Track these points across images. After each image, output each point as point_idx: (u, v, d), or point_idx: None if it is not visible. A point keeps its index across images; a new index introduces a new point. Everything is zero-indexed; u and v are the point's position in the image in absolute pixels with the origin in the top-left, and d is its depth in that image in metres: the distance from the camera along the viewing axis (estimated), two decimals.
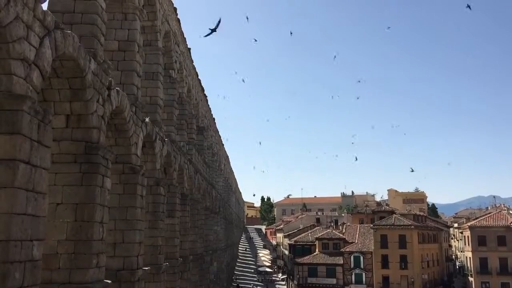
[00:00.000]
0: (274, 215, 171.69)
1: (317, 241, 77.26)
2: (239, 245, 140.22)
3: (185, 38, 33.21)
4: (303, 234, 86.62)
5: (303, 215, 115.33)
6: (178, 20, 30.17)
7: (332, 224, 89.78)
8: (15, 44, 9.50)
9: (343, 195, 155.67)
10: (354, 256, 72.16)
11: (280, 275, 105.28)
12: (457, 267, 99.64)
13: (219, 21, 34.75)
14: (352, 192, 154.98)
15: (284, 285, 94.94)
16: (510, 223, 71.06)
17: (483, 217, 79.10)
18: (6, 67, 9.43)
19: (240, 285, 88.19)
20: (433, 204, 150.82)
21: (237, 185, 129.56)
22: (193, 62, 37.86)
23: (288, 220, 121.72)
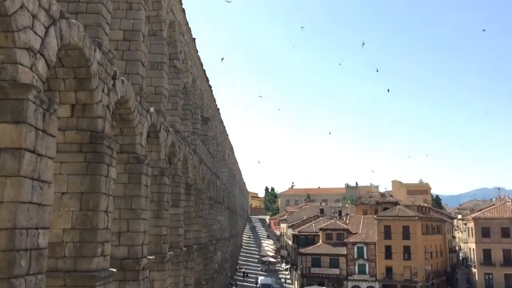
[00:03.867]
0: (278, 205, 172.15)
1: (320, 232, 77.46)
2: (243, 235, 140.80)
3: (189, 28, 33.13)
4: (307, 225, 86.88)
5: (307, 206, 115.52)
6: (183, 10, 30.07)
7: (336, 215, 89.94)
8: (21, 33, 9.50)
9: (347, 186, 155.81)
10: (357, 246, 72.35)
11: (283, 265, 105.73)
12: (461, 258, 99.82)
13: None
14: (356, 183, 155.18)
15: (288, 275, 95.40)
16: None
17: (487, 209, 79.02)
18: (11, 56, 9.43)
19: (245, 271, 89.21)
20: (437, 196, 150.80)
21: (241, 175, 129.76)
22: (197, 52, 37.80)
23: (292, 210, 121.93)
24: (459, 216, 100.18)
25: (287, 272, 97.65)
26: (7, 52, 9.42)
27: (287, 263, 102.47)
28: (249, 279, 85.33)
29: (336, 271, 72.40)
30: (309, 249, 75.36)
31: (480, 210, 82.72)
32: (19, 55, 9.49)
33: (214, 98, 53.73)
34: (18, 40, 9.44)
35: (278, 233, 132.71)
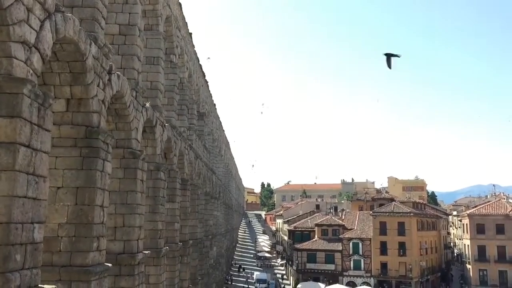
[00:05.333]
0: (274, 201, 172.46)
1: (316, 227, 77.64)
2: (239, 231, 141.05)
3: (186, 23, 33.03)
4: (302, 220, 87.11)
5: (303, 202, 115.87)
6: (180, 4, 29.99)
7: (331, 210, 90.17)
8: (16, 27, 9.45)
9: (343, 182, 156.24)
10: (353, 242, 72.56)
11: (279, 260, 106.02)
12: (455, 254, 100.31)
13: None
14: (352, 179, 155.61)
15: (283, 270, 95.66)
16: (509, 211, 71.23)
17: (482, 206, 79.29)
18: (6, 50, 9.38)
19: (241, 265, 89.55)
20: (432, 192, 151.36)
21: (237, 170, 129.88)
22: (194, 47, 37.71)
23: (288, 206, 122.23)
24: (454, 213, 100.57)
25: (282, 268, 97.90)
26: (2, 46, 9.37)
27: (282, 258, 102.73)
28: (244, 274, 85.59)
29: (331, 266, 72.60)
30: (305, 245, 75.54)
31: (475, 206, 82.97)
32: (14, 49, 9.44)
33: (211, 94, 53.68)
34: (13, 34, 9.39)
35: (274, 228, 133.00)
